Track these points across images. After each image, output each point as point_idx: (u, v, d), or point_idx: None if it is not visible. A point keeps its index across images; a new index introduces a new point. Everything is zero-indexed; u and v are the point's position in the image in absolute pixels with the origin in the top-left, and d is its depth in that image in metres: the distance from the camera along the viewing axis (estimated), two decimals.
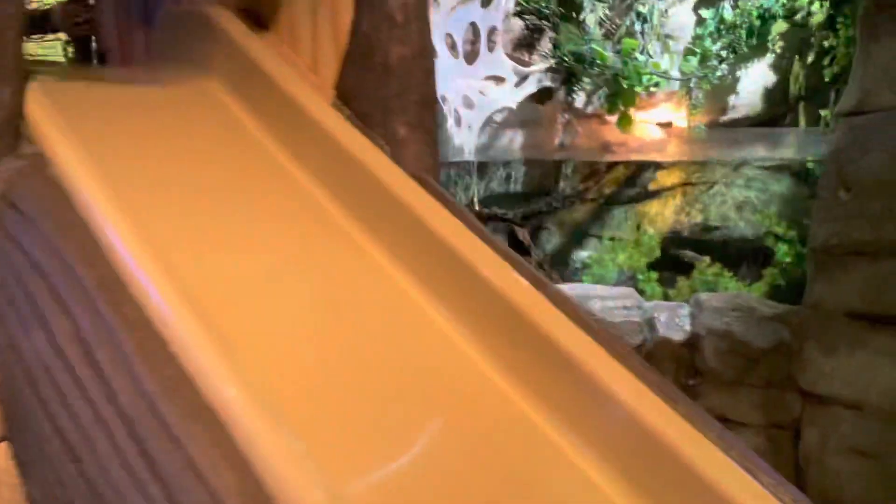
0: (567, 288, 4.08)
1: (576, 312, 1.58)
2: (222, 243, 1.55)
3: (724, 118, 4.97)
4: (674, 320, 3.86)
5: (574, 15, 4.99)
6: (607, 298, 3.96)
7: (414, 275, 1.72)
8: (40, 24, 2.99)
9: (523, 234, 4.84)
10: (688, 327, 3.81)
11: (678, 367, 3.77)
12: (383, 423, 1.31)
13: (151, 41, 2.53)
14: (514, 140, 5.19)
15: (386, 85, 1.94)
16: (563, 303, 1.60)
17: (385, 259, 1.75)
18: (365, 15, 1.94)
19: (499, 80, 5.02)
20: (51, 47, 3.16)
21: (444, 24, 4.80)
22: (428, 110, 1.99)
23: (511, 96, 5.05)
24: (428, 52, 1.98)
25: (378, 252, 1.76)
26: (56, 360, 1.14)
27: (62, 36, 2.85)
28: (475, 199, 4.93)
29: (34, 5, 3.21)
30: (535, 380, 1.53)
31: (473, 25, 4.87)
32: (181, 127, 1.95)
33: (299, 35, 2.16)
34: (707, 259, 4.72)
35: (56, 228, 1.26)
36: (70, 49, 2.92)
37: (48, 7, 3.01)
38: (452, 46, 4.87)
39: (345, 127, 1.92)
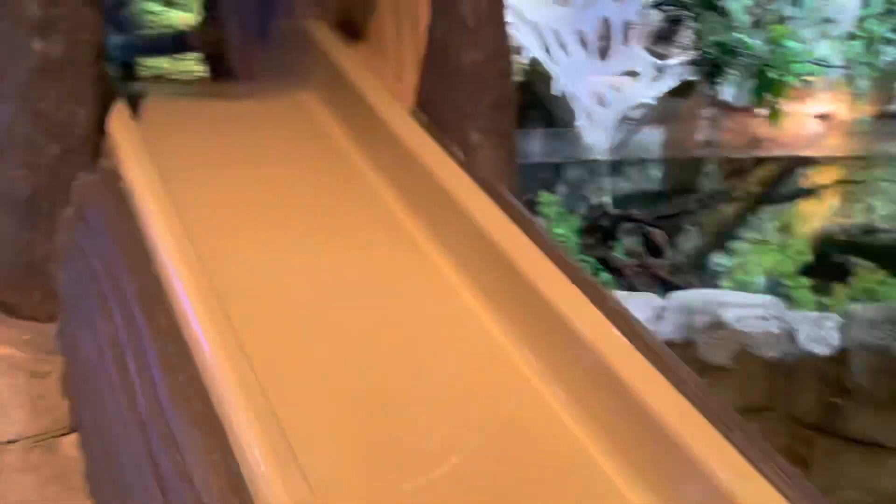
0: (698, 294, 3.83)
1: (637, 332, 1.48)
2: (277, 252, 1.61)
3: (893, 107, 4.45)
4: (819, 333, 3.51)
5: (718, 2, 4.67)
6: (744, 307, 3.67)
7: (474, 283, 1.69)
8: (178, 44, 3.26)
9: (658, 235, 4.61)
10: (835, 341, 3.45)
11: (822, 384, 3.43)
12: (408, 447, 1.29)
13: (267, 56, 2.67)
14: (651, 137, 4.96)
15: (459, 89, 1.93)
16: (622, 320, 1.51)
17: (447, 266, 1.74)
18: (438, 20, 1.94)
19: (635, 75, 4.82)
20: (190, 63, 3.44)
21: (574, 20, 4.69)
22: (503, 114, 1.95)
23: (648, 91, 4.83)
24: (503, 55, 1.93)
25: (441, 259, 1.75)
26: (98, 361, 1.24)
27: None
28: (607, 199, 4.77)
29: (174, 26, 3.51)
30: (596, 411, 1.44)
31: (606, 20, 4.71)
32: (267, 138, 2.05)
33: (386, 44, 2.19)
34: (869, 265, 4.25)
35: (114, 239, 1.37)
36: (204, 66, 3.15)
37: (186, 28, 3.28)
38: (584, 42, 4.74)
39: (418, 134, 1.92)
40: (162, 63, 4.03)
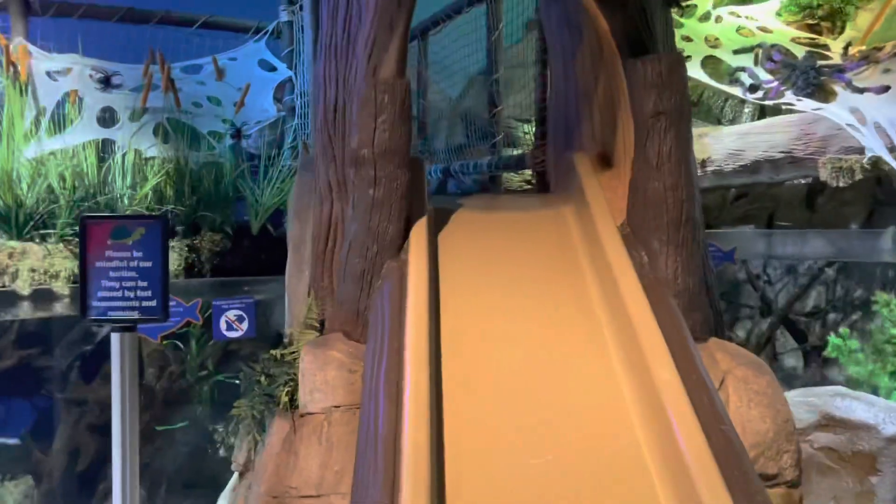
0: None
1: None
2: (494, 316, 2.48)
3: None
4: None
5: None
6: None
7: (620, 351, 2.35)
8: (520, 163, 4.41)
9: None
10: None
11: None
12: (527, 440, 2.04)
13: (561, 176, 3.61)
14: None
15: (646, 210, 2.60)
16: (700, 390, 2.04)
17: (608, 336, 2.43)
18: (635, 159, 2.65)
19: None
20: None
21: None
22: (679, 229, 2.54)
23: None
24: (680, 186, 2.53)
25: (605, 331, 2.44)
26: (370, 360, 2.28)
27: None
28: None
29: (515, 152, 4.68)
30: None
31: None
32: (525, 238, 2.95)
33: (620, 171, 2.94)
34: None
35: (391, 300, 2.41)
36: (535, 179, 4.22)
37: (524, 152, 4.41)
38: None
39: (614, 241, 2.63)
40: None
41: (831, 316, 5.07)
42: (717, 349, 2.52)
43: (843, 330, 4.57)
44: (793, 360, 5.14)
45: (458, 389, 2.19)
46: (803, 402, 3.94)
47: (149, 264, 2.87)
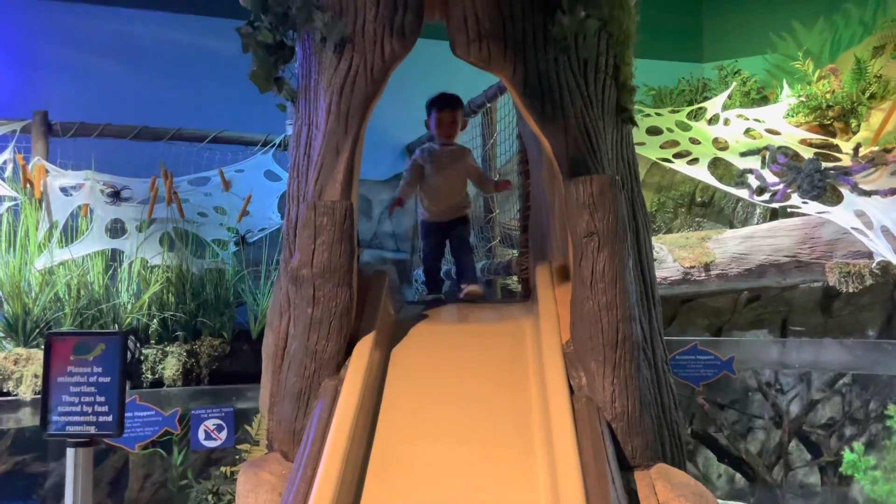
0: None
1: None
2: (424, 440, 2.44)
3: None
4: None
5: None
6: None
7: (546, 471, 2.28)
8: (508, 268, 4.41)
9: None
10: None
11: None
12: None
13: (535, 285, 3.59)
14: None
15: (581, 330, 2.55)
16: None
17: (540, 455, 2.35)
18: (573, 277, 2.63)
19: None
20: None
21: None
22: (614, 349, 2.48)
23: None
24: (616, 306, 2.49)
25: (539, 469, 2.36)
26: (288, 486, 2.27)
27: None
28: None
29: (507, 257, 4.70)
30: None
31: None
32: (478, 355, 2.91)
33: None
34: None
35: (319, 417, 2.40)
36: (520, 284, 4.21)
37: (511, 258, 4.42)
38: None
39: (555, 360, 2.59)
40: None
41: (847, 429, 4.77)
42: (660, 478, 2.41)
43: (857, 445, 4.29)
44: (812, 476, 4.79)
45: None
46: None
47: (107, 380, 2.94)
